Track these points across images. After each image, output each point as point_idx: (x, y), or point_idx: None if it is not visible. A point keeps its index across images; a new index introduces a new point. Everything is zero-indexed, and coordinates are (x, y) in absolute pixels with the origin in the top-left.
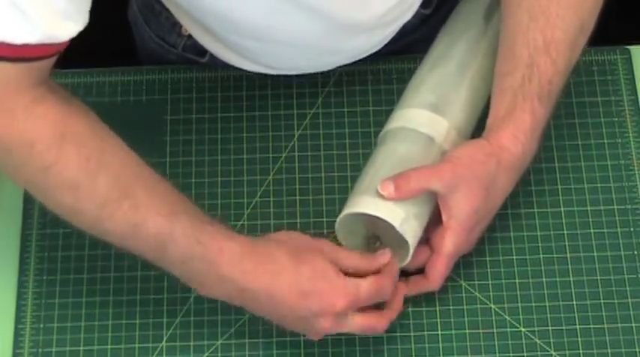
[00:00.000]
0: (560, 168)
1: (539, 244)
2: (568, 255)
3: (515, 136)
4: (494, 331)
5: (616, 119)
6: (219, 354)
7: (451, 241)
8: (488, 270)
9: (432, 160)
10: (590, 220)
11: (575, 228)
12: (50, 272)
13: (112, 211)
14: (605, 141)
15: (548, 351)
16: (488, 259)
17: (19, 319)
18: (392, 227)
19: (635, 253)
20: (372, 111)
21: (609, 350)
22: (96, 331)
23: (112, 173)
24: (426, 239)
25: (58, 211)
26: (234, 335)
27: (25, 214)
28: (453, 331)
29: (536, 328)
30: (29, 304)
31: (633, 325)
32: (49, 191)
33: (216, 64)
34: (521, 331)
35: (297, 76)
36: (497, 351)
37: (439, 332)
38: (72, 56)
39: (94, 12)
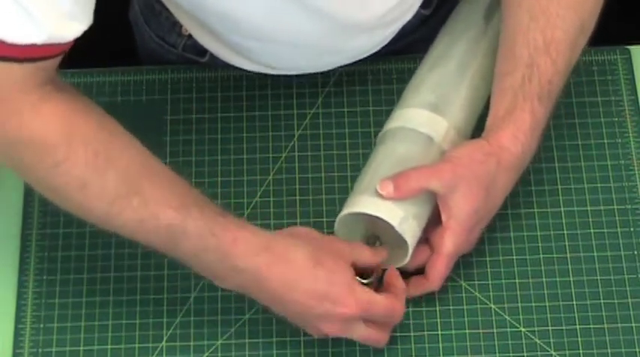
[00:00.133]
0: (560, 168)
1: (539, 244)
2: (568, 255)
3: (515, 135)
4: (494, 331)
5: (616, 119)
6: (219, 354)
7: (451, 241)
8: (488, 270)
9: (431, 160)
10: (590, 220)
11: (575, 228)
12: (50, 272)
13: (122, 207)
14: (605, 141)
15: (548, 351)
16: (488, 259)
17: (19, 319)
18: (391, 227)
19: (635, 253)
20: (372, 111)
21: (609, 350)
22: (96, 331)
23: (120, 169)
24: (426, 239)
25: (69, 209)
26: (234, 335)
27: (25, 214)
28: (453, 331)
29: (536, 328)
30: (29, 304)
31: (633, 325)
32: (59, 189)
33: (216, 64)
34: (521, 331)
35: (297, 76)
36: (497, 351)
37: (439, 332)
38: (72, 56)
39: (94, 12)
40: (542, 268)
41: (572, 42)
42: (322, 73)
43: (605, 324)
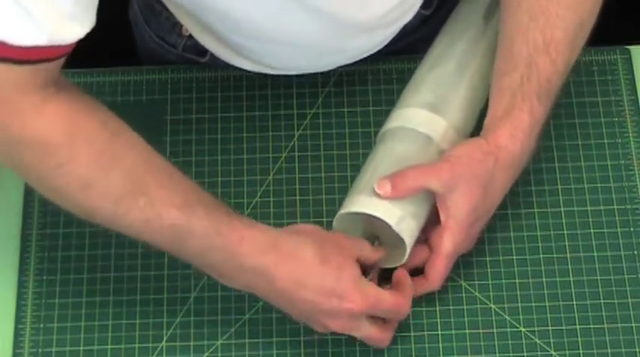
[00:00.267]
0: (560, 168)
1: (539, 244)
2: (568, 255)
3: (513, 134)
4: (494, 331)
5: (616, 119)
6: (219, 354)
7: (450, 241)
8: (488, 270)
9: (429, 160)
10: (590, 220)
11: (575, 228)
12: (50, 272)
13: (129, 207)
14: (605, 141)
15: (548, 351)
16: (488, 259)
17: (19, 319)
18: (389, 226)
19: (635, 253)
20: (372, 111)
21: (609, 350)
22: (96, 331)
23: (126, 168)
24: (425, 239)
25: (71, 210)
26: (234, 335)
27: (25, 214)
28: (453, 331)
29: (536, 328)
30: (29, 304)
31: (633, 325)
32: (62, 190)
33: (217, 64)
34: (521, 331)
35: (297, 76)
36: (497, 351)
37: (439, 332)
38: (72, 56)
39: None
40: (542, 268)
41: (571, 42)
42: (322, 73)
43: (605, 324)
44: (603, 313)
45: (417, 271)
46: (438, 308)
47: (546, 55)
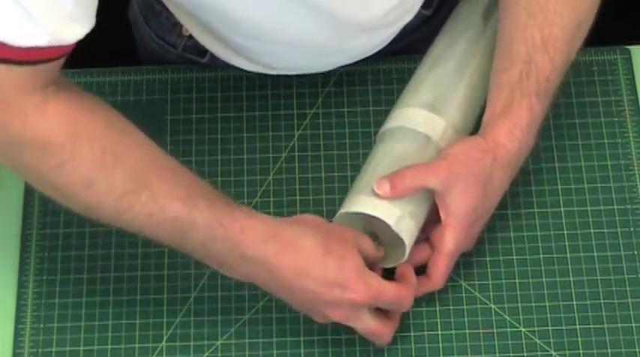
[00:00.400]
0: (560, 168)
1: (539, 244)
2: (568, 255)
3: (512, 132)
4: (494, 331)
5: (616, 119)
6: (219, 354)
7: (451, 239)
8: (489, 270)
9: (428, 159)
10: (590, 220)
11: (575, 228)
12: (50, 272)
13: (131, 203)
14: (605, 141)
15: (548, 351)
16: (488, 259)
17: (19, 319)
18: (388, 226)
19: (635, 253)
20: (372, 111)
21: (609, 350)
22: (96, 331)
23: (129, 166)
24: (425, 238)
25: (74, 208)
26: (234, 335)
27: (25, 214)
28: (453, 331)
29: (536, 328)
30: (29, 304)
31: (633, 325)
32: (65, 188)
33: (217, 64)
34: (521, 331)
35: (297, 76)
36: (497, 351)
37: (439, 332)
38: (72, 56)
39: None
40: (542, 268)
41: (569, 39)
42: (322, 73)
43: (605, 324)
44: (603, 313)
45: (418, 271)
46: (438, 308)
47: (544, 53)
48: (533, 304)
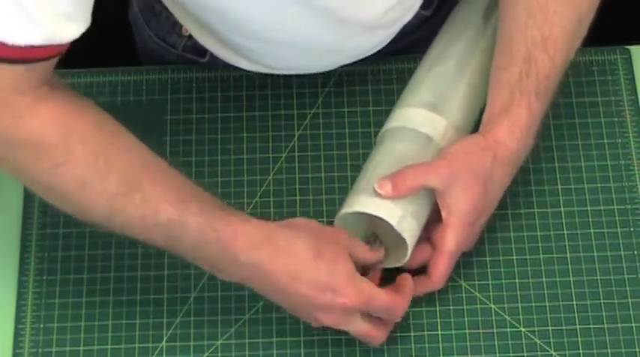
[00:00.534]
0: (560, 168)
1: (539, 244)
2: (568, 255)
3: (511, 130)
4: (494, 331)
5: (616, 119)
6: (219, 354)
7: (452, 238)
8: (488, 270)
9: (429, 159)
10: (590, 220)
11: (575, 228)
12: (50, 272)
13: (124, 205)
14: (605, 141)
15: (548, 351)
16: (488, 259)
17: (19, 319)
18: (390, 226)
19: (635, 253)
20: (372, 111)
21: (609, 350)
22: (96, 331)
23: (120, 170)
24: (427, 238)
25: (68, 209)
26: (234, 335)
27: (25, 214)
28: (453, 331)
29: (536, 328)
30: (29, 304)
31: (633, 325)
32: (58, 189)
33: (217, 64)
34: (521, 331)
35: (297, 76)
36: (497, 351)
37: (439, 332)
38: (72, 56)
39: (94, 12)
40: (542, 268)
41: (569, 39)
42: (322, 73)
43: (605, 324)
44: (603, 313)
45: (419, 271)
46: (438, 308)
47: (544, 52)
48: (533, 304)
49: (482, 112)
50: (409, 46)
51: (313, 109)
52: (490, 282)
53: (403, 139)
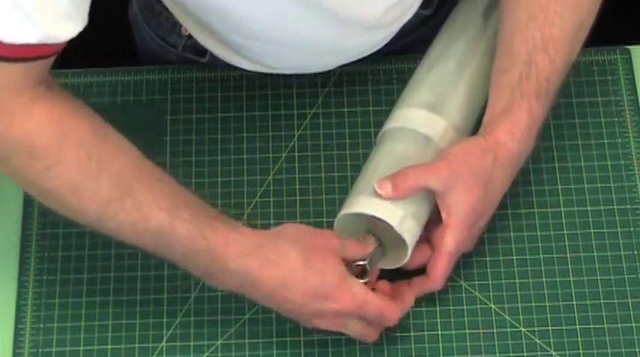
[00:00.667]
0: (560, 168)
1: (539, 244)
2: (568, 255)
3: (512, 132)
4: (494, 331)
5: (616, 119)
6: (219, 354)
7: (452, 239)
8: (488, 270)
9: (429, 159)
10: (590, 220)
11: (575, 228)
12: (50, 272)
13: (116, 210)
14: (605, 141)
15: (548, 351)
16: (488, 259)
17: (19, 319)
18: (390, 227)
19: (635, 253)
20: (372, 111)
21: (609, 350)
22: (96, 331)
23: (114, 173)
24: (427, 239)
25: (60, 211)
26: (234, 335)
27: (25, 214)
28: (453, 331)
29: (536, 328)
30: (29, 304)
31: (633, 325)
32: (50, 192)
33: (217, 64)
34: (521, 331)
35: (297, 76)
36: (497, 351)
37: (439, 332)
38: (72, 56)
39: (94, 12)
40: (542, 268)
41: (570, 40)
42: (322, 73)
43: (605, 324)
44: (603, 313)
45: (419, 271)
46: (438, 308)
47: (545, 54)
48: (533, 304)
49: (482, 112)
50: (409, 46)
51: (313, 109)
52: (490, 282)
53: (403, 140)
